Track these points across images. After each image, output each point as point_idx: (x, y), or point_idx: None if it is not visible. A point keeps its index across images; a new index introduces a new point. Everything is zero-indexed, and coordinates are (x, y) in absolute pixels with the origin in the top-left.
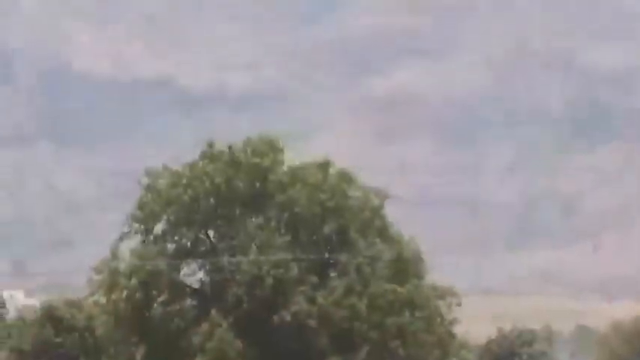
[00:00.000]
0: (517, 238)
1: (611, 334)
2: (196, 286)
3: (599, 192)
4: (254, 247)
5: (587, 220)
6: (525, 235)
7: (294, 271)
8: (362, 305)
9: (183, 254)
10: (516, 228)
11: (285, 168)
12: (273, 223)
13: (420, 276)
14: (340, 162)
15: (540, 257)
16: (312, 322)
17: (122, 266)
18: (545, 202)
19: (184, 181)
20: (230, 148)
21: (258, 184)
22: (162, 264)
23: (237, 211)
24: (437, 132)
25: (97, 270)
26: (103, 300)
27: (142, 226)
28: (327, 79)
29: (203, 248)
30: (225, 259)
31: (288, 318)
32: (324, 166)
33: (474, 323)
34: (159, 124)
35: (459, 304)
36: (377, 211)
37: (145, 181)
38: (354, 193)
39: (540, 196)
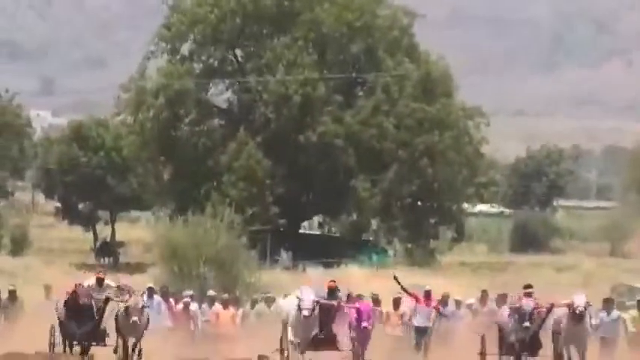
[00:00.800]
0: (549, 57)
1: None
2: (224, 105)
3: (634, 11)
4: (281, 66)
5: (620, 40)
6: (557, 54)
7: (322, 90)
8: (389, 124)
9: (211, 74)
10: (548, 47)
11: None
12: (300, 43)
13: (448, 96)
14: None
15: (572, 77)
16: (339, 142)
17: (149, 85)
18: (577, 20)
19: None
20: None
21: (285, 3)
22: (189, 83)
23: (265, 30)
24: None
25: (125, 88)
26: (130, 119)
27: (169, 46)
28: None
29: (230, 68)
30: (252, 79)
31: (314, 138)
32: None
33: (504, 143)
34: None
35: (488, 124)
36: (405, 31)
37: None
38: (382, 12)
39: (573, 15)
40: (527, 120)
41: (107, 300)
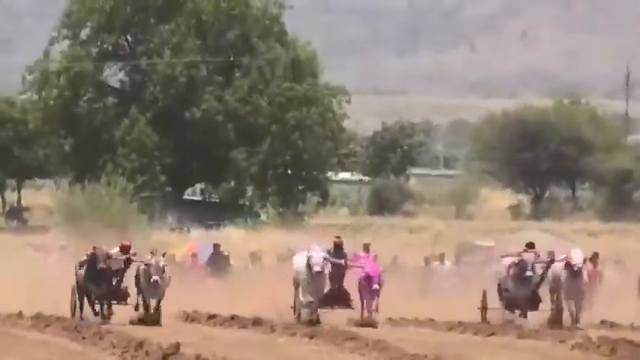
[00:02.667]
0: (404, 43)
1: (485, 127)
2: (117, 85)
3: (476, 1)
4: (167, 50)
5: (465, 26)
6: (412, 40)
7: (204, 72)
8: (263, 102)
9: (106, 57)
10: (404, 34)
11: None
12: (183, 29)
13: (314, 76)
14: None
15: (424, 60)
16: (220, 118)
17: (53, 67)
18: (428, 10)
19: None
20: None
21: None
22: (88, 65)
23: (152, 19)
24: None
25: (30, 70)
26: (35, 97)
27: (70, 32)
28: None
29: (122, 52)
30: (142, 61)
31: (198, 114)
32: None
33: (363, 118)
34: None
35: (349, 102)
36: (275, 19)
37: None
38: (255, 2)
39: (425, 5)
40: (384, 98)
41: (129, 261)
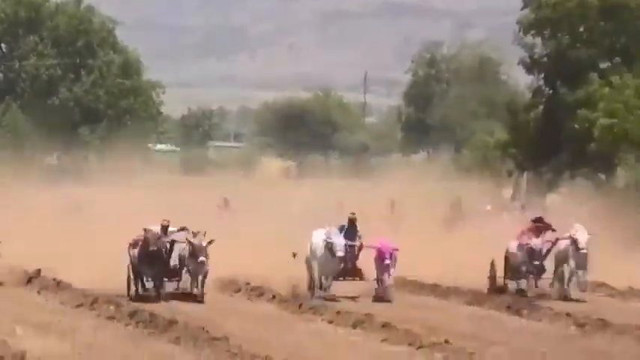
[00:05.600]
0: (204, 50)
1: (263, 112)
2: None
3: (257, 20)
4: (33, 55)
5: (248, 40)
6: (209, 48)
7: (59, 71)
8: (102, 93)
9: None
10: (203, 43)
11: (52, 3)
12: (45, 40)
13: (139, 74)
14: None
15: (219, 63)
16: (71, 104)
17: None
18: (220, 26)
19: None
20: None
21: (33, 14)
22: None
23: (21, 32)
24: None
25: None
26: None
27: None
28: None
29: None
30: (15, 63)
31: (57, 102)
32: (78, 2)
33: (175, 106)
34: None
35: (164, 93)
36: (111, 32)
37: None
38: (95, 19)
39: (218, 22)
40: (191, 90)
41: (173, 242)
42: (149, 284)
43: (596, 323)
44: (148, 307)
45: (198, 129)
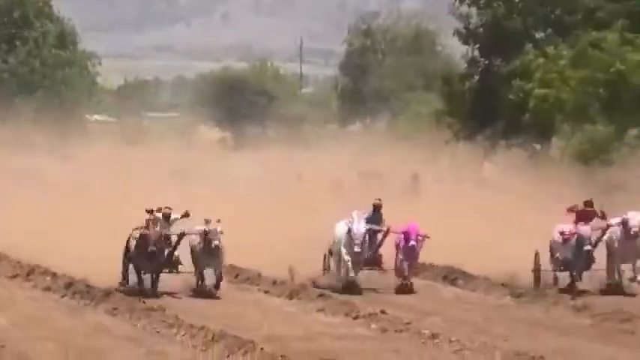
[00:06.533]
0: (139, 21)
1: (200, 83)
2: None
3: None
4: None
5: (182, 9)
6: (144, 19)
7: None
8: (37, 64)
9: None
10: (139, 15)
11: None
12: None
13: (74, 44)
14: None
15: (154, 34)
16: (6, 75)
17: None
18: None
19: None
20: None
21: None
22: None
23: None
24: None
25: None
26: None
27: None
28: None
29: None
30: None
31: None
32: None
33: (112, 76)
34: None
35: (100, 64)
36: (47, 3)
37: None
38: None
39: None
40: (126, 61)
41: (182, 234)
42: (145, 278)
43: (533, 293)
44: (84, 278)
45: (134, 99)
